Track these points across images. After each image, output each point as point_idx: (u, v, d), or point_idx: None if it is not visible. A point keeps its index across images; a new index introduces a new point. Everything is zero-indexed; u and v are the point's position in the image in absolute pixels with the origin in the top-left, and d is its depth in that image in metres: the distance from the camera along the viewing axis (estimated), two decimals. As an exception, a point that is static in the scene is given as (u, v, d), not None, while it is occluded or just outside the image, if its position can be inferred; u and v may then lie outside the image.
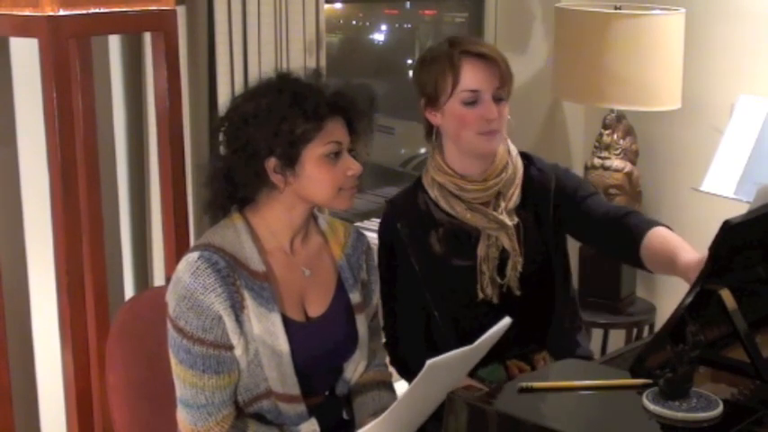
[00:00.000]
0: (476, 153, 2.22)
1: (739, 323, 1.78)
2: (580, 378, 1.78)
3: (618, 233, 2.17)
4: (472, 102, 2.17)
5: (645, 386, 1.70)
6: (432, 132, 2.28)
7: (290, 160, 1.90)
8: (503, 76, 2.19)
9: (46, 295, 2.58)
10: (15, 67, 2.52)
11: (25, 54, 2.49)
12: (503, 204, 2.25)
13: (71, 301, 2.36)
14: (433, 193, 2.25)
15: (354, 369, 2.06)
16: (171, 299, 1.90)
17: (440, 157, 2.26)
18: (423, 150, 4.06)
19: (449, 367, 1.72)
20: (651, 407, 1.63)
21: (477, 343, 1.73)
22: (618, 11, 3.32)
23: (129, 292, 2.80)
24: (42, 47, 2.27)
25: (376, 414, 1.92)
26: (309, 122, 1.89)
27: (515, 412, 1.66)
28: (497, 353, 2.18)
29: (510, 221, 2.24)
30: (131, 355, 2.16)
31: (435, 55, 2.21)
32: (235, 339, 1.88)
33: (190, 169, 2.72)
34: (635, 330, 3.50)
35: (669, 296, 3.43)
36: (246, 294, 1.88)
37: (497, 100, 2.19)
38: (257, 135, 1.89)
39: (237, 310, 1.87)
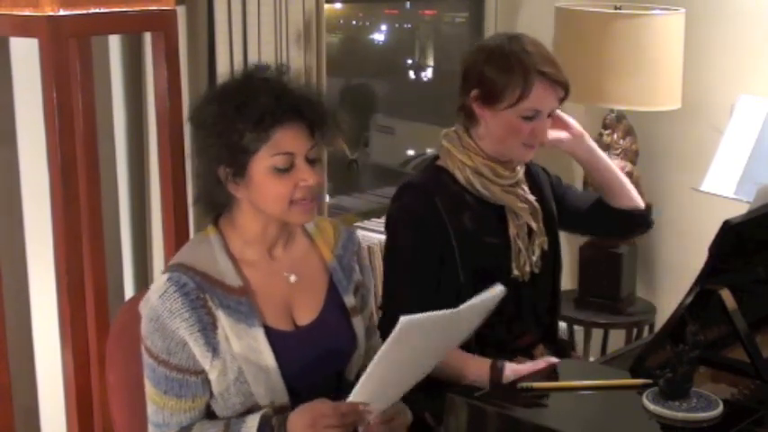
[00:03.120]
0: (511, 158, 2.26)
1: (739, 323, 1.78)
2: (580, 378, 1.78)
3: (600, 212, 2.42)
4: (530, 117, 2.19)
5: (645, 386, 1.70)
6: (469, 118, 2.27)
7: (239, 171, 1.81)
8: (565, 97, 2.24)
9: (46, 295, 2.58)
10: (15, 67, 2.52)
11: (25, 54, 2.49)
12: (524, 187, 2.31)
13: (71, 301, 2.36)
14: (464, 174, 2.25)
15: (355, 371, 1.98)
16: (143, 315, 1.86)
17: (471, 142, 2.26)
18: (422, 150, 4.07)
19: (426, 329, 1.67)
20: (651, 407, 1.63)
21: (461, 307, 1.70)
22: (618, 11, 3.32)
23: (129, 292, 2.80)
24: (42, 47, 2.27)
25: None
26: (255, 132, 1.78)
27: (515, 412, 1.67)
28: (505, 347, 2.23)
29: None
30: (131, 355, 2.16)
31: (510, 62, 2.17)
32: (206, 363, 1.81)
33: (190, 169, 2.72)
34: (635, 330, 3.49)
35: (669, 296, 3.43)
36: (221, 314, 1.81)
37: (549, 115, 2.24)
38: (208, 142, 1.82)
39: (208, 331, 1.80)
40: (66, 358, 2.40)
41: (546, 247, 2.32)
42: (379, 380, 1.72)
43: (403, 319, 1.60)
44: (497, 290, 1.77)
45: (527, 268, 2.28)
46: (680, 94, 3.29)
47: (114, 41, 2.70)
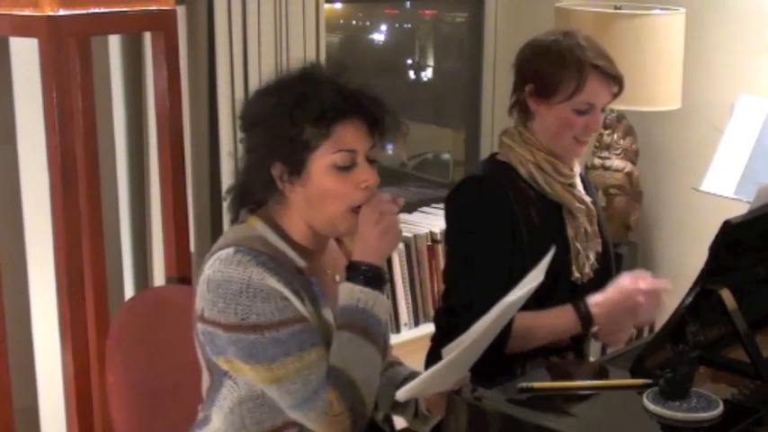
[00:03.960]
0: (564, 153, 2.26)
1: (739, 323, 1.78)
2: (580, 378, 1.78)
3: None
4: (584, 111, 2.20)
5: (645, 386, 1.70)
6: (524, 111, 2.27)
7: (296, 168, 1.72)
8: (619, 92, 2.25)
9: (46, 295, 2.58)
10: (15, 67, 2.52)
11: (25, 54, 2.49)
12: (580, 188, 2.32)
13: (71, 301, 2.36)
14: (526, 169, 2.24)
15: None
16: (218, 303, 1.69)
17: (530, 136, 2.26)
18: (422, 150, 4.07)
19: (514, 305, 1.69)
20: (651, 407, 1.63)
21: (530, 277, 1.70)
22: (618, 11, 3.32)
23: (129, 292, 2.80)
24: (42, 47, 2.27)
25: (406, 380, 1.79)
26: (316, 127, 1.71)
27: (515, 412, 1.67)
28: (543, 347, 2.22)
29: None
30: (131, 355, 2.16)
31: (565, 56, 2.19)
32: (306, 312, 1.72)
33: (190, 169, 2.73)
34: (635, 330, 3.49)
35: (669, 296, 3.43)
36: (296, 286, 1.72)
37: (602, 110, 2.25)
38: (262, 138, 1.75)
39: (293, 289, 1.70)
40: (66, 358, 2.40)
41: (599, 249, 2.33)
42: (456, 363, 1.68)
43: (504, 300, 1.64)
44: (552, 250, 1.77)
45: (586, 269, 2.29)
46: (680, 94, 3.29)
47: (114, 41, 2.70)
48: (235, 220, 1.86)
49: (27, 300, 2.60)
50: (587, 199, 2.31)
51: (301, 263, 1.78)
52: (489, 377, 1.89)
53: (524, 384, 1.74)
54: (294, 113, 1.71)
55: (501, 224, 2.19)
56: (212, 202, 2.87)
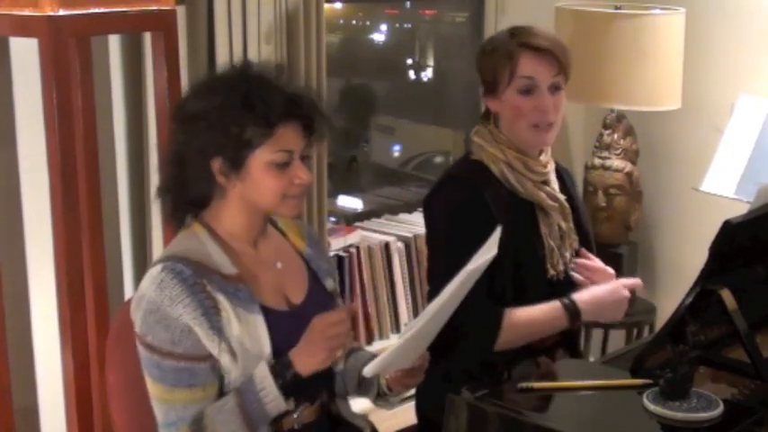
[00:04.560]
0: (528, 145, 2.28)
1: (739, 323, 1.78)
2: (580, 378, 1.78)
3: None
4: (528, 90, 2.22)
5: (645, 386, 1.70)
6: (488, 115, 2.33)
7: (236, 164, 1.83)
8: (560, 65, 2.25)
9: (46, 295, 2.58)
10: (15, 67, 2.52)
11: (25, 54, 2.49)
12: (554, 186, 2.33)
13: (71, 301, 2.36)
14: (498, 168, 2.26)
15: (343, 357, 2.04)
16: (137, 316, 1.85)
17: (500, 135, 2.29)
18: (422, 150, 4.06)
19: (473, 276, 1.75)
20: (651, 407, 1.63)
21: (485, 248, 1.78)
22: (618, 11, 3.32)
23: (129, 292, 2.79)
24: (42, 47, 2.27)
25: (368, 361, 1.88)
26: (259, 128, 1.81)
27: (515, 412, 1.67)
28: (529, 347, 2.23)
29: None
30: (131, 355, 2.16)
31: (495, 45, 2.28)
32: (214, 348, 1.81)
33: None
34: (635, 330, 3.49)
35: (669, 296, 3.43)
36: (221, 297, 1.82)
37: (554, 90, 2.24)
38: (205, 134, 1.83)
39: (211, 314, 1.80)
40: (66, 358, 2.40)
41: (576, 246, 2.34)
42: (419, 336, 1.77)
43: (465, 269, 1.70)
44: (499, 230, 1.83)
45: (561, 267, 2.30)
46: (680, 93, 3.29)
47: (114, 41, 2.69)
48: (180, 226, 1.97)
49: (27, 300, 2.60)
50: (561, 196, 2.32)
51: (231, 270, 1.87)
52: (477, 380, 1.91)
53: (524, 384, 1.75)
54: (240, 114, 1.81)
55: (479, 224, 2.17)
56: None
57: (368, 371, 1.83)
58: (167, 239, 2.61)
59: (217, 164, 1.84)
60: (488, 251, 1.78)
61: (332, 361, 1.85)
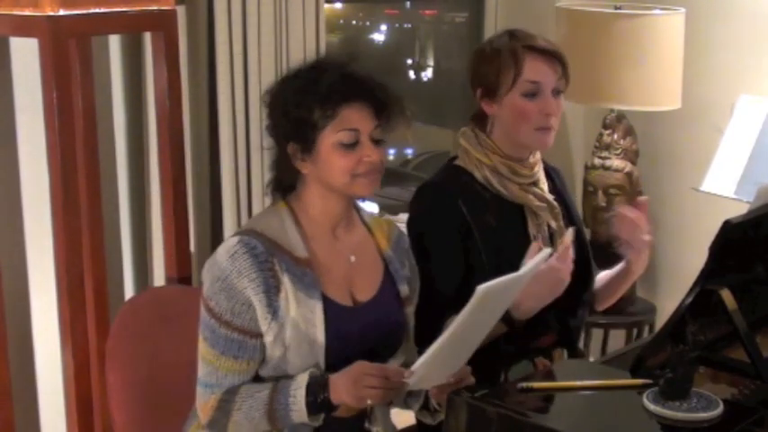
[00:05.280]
0: (531, 148, 2.27)
1: (739, 323, 1.78)
2: (580, 378, 1.78)
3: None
4: (532, 94, 2.21)
5: (645, 386, 1.70)
6: (481, 118, 2.30)
7: (307, 146, 1.90)
8: (563, 69, 2.25)
9: (46, 295, 2.58)
10: (15, 67, 2.52)
11: (25, 54, 2.49)
12: (542, 186, 2.31)
13: (71, 301, 2.36)
14: (482, 173, 2.26)
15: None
16: (206, 278, 1.91)
17: (488, 140, 2.28)
18: (422, 150, 4.07)
19: (497, 294, 1.73)
20: (651, 407, 1.63)
21: (522, 270, 1.77)
22: (618, 11, 3.32)
23: (129, 292, 2.79)
24: (42, 47, 2.27)
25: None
26: (324, 109, 1.88)
27: (515, 412, 1.67)
28: (525, 348, 2.22)
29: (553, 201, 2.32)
30: (131, 355, 2.16)
31: (497, 47, 2.25)
32: (265, 325, 1.87)
33: (190, 169, 2.73)
34: (635, 330, 3.49)
35: (669, 296, 3.43)
36: (286, 278, 1.88)
37: (556, 93, 2.24)
38: (279, 121, 1.93)
39: (272, 294, 1.86)
40: (67, 358, 2.40)
41: None
42: (443, 351, 1.76)
43: (480, 287, 1.67)
44: (546, 252, 1.84)
45: None
46: (680, 94, 3.29)
47: (114, 41, 2.69)
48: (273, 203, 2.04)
49: (27, 300, 2.60)
50: (549, 197, 2.31)
51: (303, 253, 1.92)
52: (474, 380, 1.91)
53: (524, 384, 1.75)
54: (303, 97, 1.89)
55: (449, 231, 2.21)
56: (212, 202, 2.86)
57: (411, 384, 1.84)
58: (167, 239, 2.62)
59: (291, 148, 1.92)
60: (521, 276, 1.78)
61: (362, 406, 1.87)
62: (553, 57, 2.23)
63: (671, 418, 1.61)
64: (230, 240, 1.91)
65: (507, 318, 2.10)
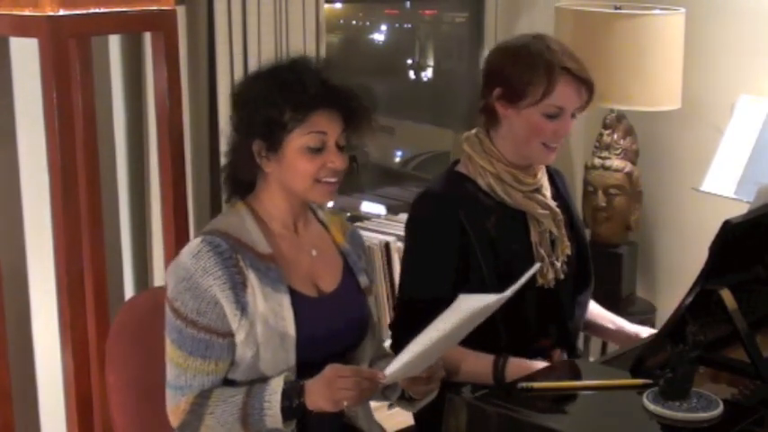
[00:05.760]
0: (533, 162, 2.25)
1: (739, 323, 1.78)
2: (580, 378, 1.78)
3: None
4: (554, 116, 2.18)
5: (645, 386, 1.70)
6: (490, 114, 2.25)
7: (273, 146, 1.91)
8: (590, 98, 2.23)
9: (46, 295, 2.58)
10: (15, 67, 2.52)
11: (25, 54, 2.49)
12: (546, 193, 2.30)
13: (71, 301, 2.36)
14: (486, 180, 2.24)
15: (362, 357, 2.05)
16: (170, 279, 1.91)
17: (493, 147, 2.25)
18: (422, 150, 4.07)
19: (475, 308, 1.74)
20: (651, 407, 1.63)
21: (508, 292, 1.76)
22: (618, 11, 3.32)
23: (129, 292, 2.79)
24: (42, 47, 2.27)
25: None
26: (295, 111, 1.89)
27: (515, 412, 1.67)
28: (524, 350, 2.21)
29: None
30: (131, 355, 2.16)
31: (534, 59, 2.16)
32: (235, 323, 1.88)
33: (190, 169, 2.73)
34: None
35: (669, 296, 3.43)
36: (251, 274, 1.89)
37: (572, 115, 2.22)
38: (248, 117, 1.93)
39: (239, 290, 1.87)
40: (67, 358, 2.40)
41: (569, 252, 2.31)
42: (419, 353, 1.78)
43: (461, 296, 1.71)
44: (536, 266, 1.86)
45: (550, 276, 2.27)
46: (680, 94, 3.29)
47: (114, 41, 2.69)
48: (227, 201, 2.06)
49: (27, 300, 2.60)
50: (552, 203, 2.28)
51: (266, 249, 1.94)
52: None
53: (524, 384, 1.75)
54: (277, 98, 1.90)
55: (447, 240, 2.19)
56: (212, 201, 2.86)
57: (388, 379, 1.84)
58: (167, 239, 2.61)
59: (257, 146, 1.92)
60: (507, 292, 1.79)
61: (338, 409, 1.86)
62: (585, 85, 2.19)
63: (671, 418, 1.61)
64: (193, 241, 1.92)
65: (500, 377, 2.11)
